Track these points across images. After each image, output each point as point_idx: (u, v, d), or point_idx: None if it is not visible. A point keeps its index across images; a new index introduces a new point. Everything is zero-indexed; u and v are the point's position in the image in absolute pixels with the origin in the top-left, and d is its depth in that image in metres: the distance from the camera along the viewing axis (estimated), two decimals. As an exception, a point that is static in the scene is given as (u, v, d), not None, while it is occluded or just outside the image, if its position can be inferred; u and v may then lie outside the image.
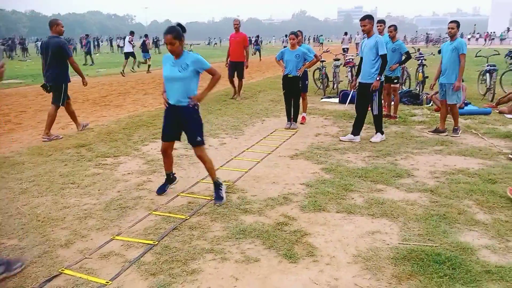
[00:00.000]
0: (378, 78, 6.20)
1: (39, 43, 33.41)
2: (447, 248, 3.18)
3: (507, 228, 3.54)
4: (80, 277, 2.84)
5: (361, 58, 6.52)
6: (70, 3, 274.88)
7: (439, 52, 7.10)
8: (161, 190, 4.33)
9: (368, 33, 6.27)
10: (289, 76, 7.35)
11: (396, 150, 5.93)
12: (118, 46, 42.90)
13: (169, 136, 4.13)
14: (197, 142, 4.03)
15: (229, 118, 8.34)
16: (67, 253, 3.17)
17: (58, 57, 6.54)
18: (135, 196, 4.30)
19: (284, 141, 6.57)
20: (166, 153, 4.24)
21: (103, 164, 5.31)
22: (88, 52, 25.13)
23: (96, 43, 45.02)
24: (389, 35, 7.95)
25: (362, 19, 6.26)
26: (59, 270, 2.92)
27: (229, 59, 10.53)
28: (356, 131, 6.51)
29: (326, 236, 3.44)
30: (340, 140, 6.50)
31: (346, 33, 30.49)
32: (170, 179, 4.42)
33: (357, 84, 6.57)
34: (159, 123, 7.63)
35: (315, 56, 7.80)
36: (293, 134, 7.04)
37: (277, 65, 7.79)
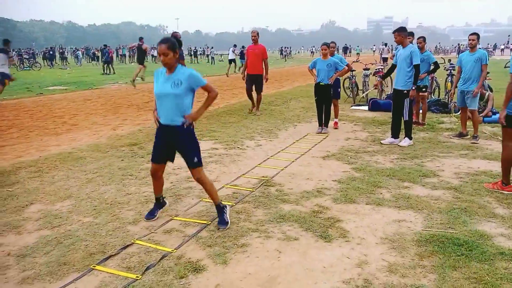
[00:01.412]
0: (413, 88, 6.68)
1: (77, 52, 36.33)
2: (466, 234, 3.58)
3: (524, 220, 3.90)
4: (150, 246, 3.41)
5: (393, 65, 7.00)
6: (106, 15, 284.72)
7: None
8: (151, 215, 3.95)
9: (402, 43, 6.74)
10: (321, 84, 7.85)
11: (423, 154, 6.30)
12: (152, 56, 44.56)
13: (160, 157, 3.80)
14: (194, 163, 3.69)
15: (263, 123, 8.88)
16: (135, 229, 3.75)
17: None
18: (186, 186, 4.88)
19: (316, 144, 7.04)
20: (156, 175, 3.88)
21: (154, 160, 5.94)
22: (106, 62, 25.82)
23: (131, 52, 46.84)
24: (418, 46, 8.33)
25: (394, 32, 6.77)
26: (132, 241, 3.51)
27: (246, 71, 10.06)
28: (395, 134, 7.03)
29: (357, 223, 3.89)
30: (381, 143, 6.95)
31: (386, 44, 32.59)
32: (160, 203, 4.04)
33: (381, 86, 7.08)
34: (200, 127, 8.28)
35: (347, 65, 8.28)
36: (324, 138, 7.50)
37: (308, 74, 8.31)
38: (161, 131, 3.70)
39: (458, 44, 61.67)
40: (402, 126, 7.02)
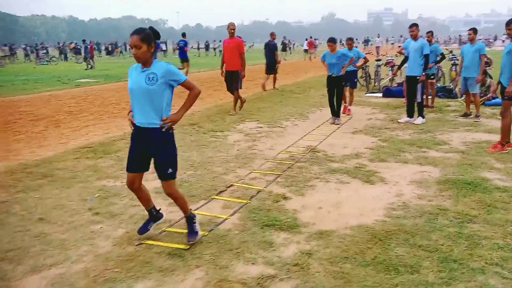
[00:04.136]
0: (423, 74, 8.00)
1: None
2: (472, 178, 4.92)
3: (515, 171, 5.24)
4: (244, 186, 4.76)
5: (406, 57, 8.31)
6: (106, 9, 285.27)
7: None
8: (143, 229, 3.53)
9: (415, 37, 8.07)
10: (333, 76, 8.45)
11: (435, 129, 7.63)
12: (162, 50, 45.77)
13: (136, 165, 3.34)
14: (167, 175, 3.27)
15: (293, 108, 10.20)
16: (228, 178, 5.09)
17: (273, 52, 12.98)
18: (251, 152, 6.21)
19: (343, 123, 8.37)
20: (134, 187, 3.40)
21: (216, 135, 7.28)
22: (86, 57, 27.08)
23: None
24: (426, 39, 9.64)
25: (410, 26, 8.14)
26: (230, 184, 4.85)
27: (224, 68, 9.46)
28: (410, 114, 8.35)
29: (391, 173, 5.23)
30: (398, 122, 8.25)
31: (401, 36, 35.00)
32: (153, 216, 3.57)
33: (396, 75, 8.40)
34: (241, 112, 9.55)
35: (364, 58, 9.80)
36: (350, 119, 8.83)
37: (319, 65, 9.53)
38: (135, 135, 3.31)
39: (460, 35, 62.78)
40: (416, 108, 8.34)
